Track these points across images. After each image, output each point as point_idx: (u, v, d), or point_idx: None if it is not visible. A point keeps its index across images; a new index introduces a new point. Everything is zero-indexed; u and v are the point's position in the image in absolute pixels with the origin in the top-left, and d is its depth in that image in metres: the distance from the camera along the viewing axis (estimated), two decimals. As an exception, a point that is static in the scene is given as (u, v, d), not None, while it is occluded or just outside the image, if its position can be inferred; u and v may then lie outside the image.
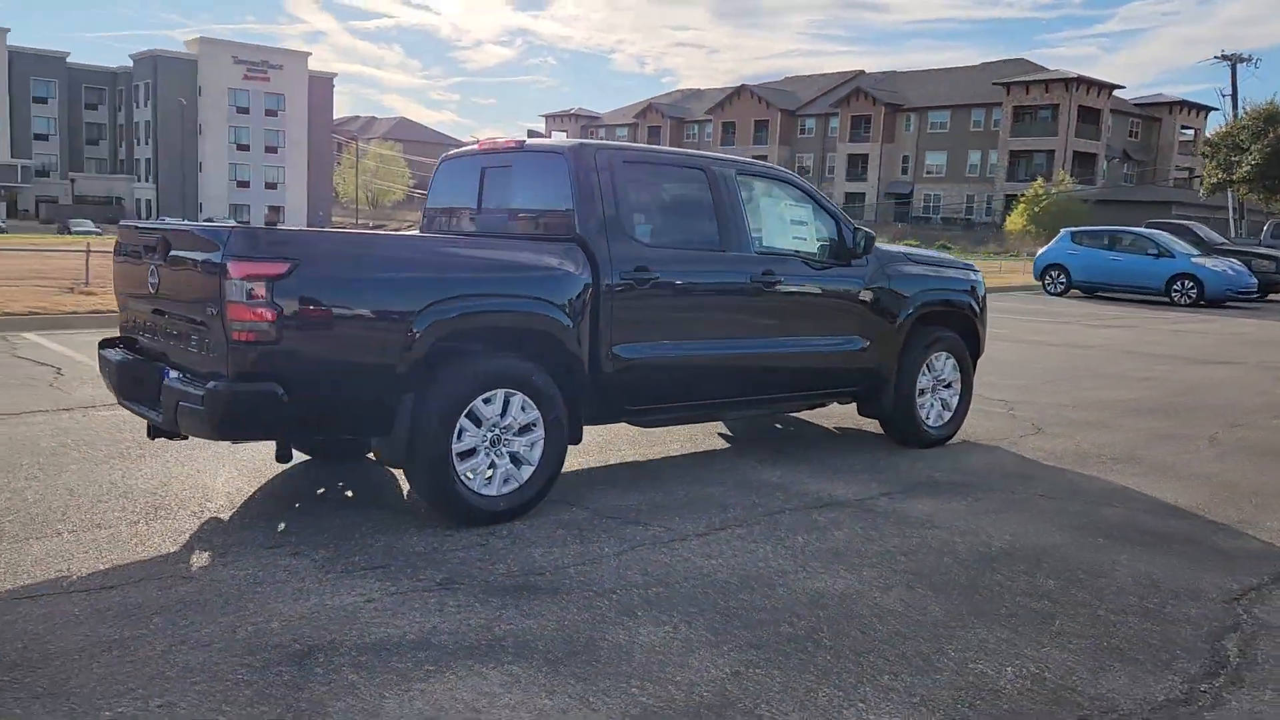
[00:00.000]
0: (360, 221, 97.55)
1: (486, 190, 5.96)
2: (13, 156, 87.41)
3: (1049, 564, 4.66)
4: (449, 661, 3.39)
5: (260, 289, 4.20)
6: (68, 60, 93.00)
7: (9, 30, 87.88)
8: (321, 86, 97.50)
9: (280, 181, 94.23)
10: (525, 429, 5.02)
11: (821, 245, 6.47)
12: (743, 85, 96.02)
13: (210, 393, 4.21)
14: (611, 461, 6.39)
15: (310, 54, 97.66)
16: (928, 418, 7.02)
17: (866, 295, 6.55)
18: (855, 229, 6.41)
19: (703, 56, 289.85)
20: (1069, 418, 8.38)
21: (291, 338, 4.30)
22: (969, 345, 7.27)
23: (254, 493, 5.39)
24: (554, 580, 4.22)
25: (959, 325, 7.25)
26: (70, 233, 60.69)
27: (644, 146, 6.67)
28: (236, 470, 5.73)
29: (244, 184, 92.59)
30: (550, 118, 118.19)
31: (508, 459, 4.99)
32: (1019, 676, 3.45)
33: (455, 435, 4.76)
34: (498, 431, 4.93)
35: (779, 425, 7.77)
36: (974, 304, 7.26)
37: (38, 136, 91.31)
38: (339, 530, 4.77)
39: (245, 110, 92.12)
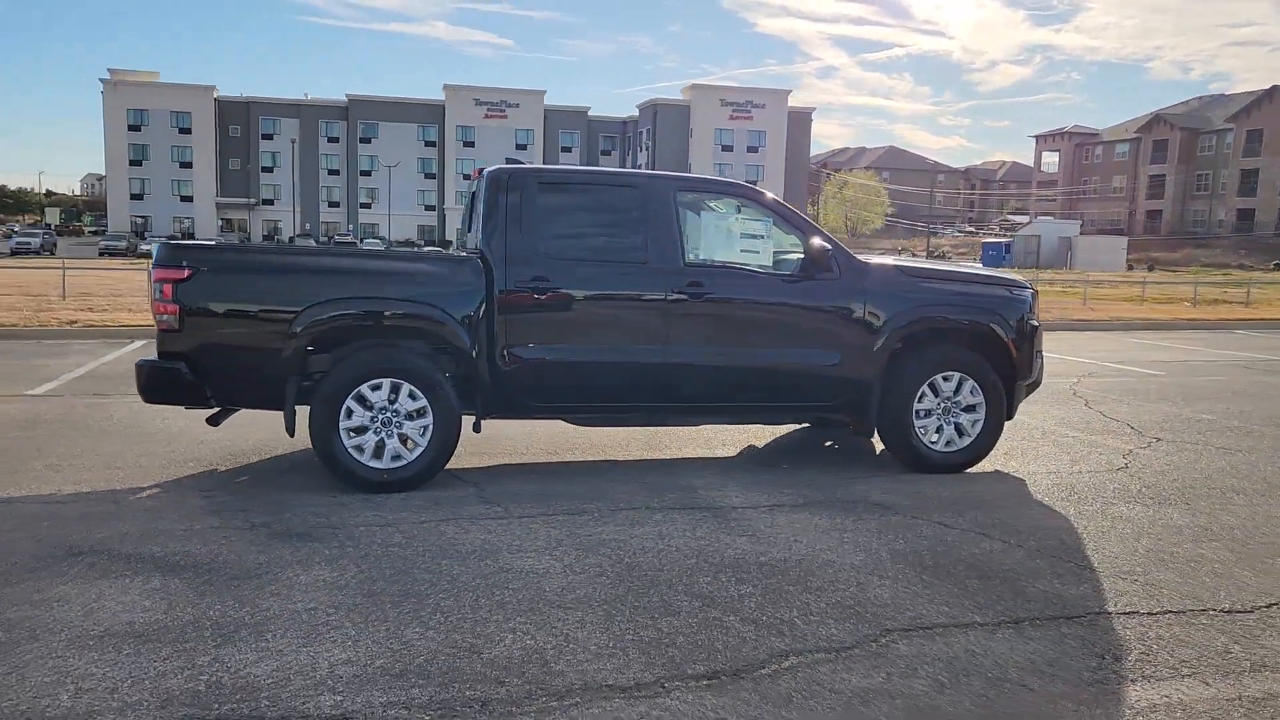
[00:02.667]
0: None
1: (473, 211, 6.90)
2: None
3: (749, 579, 4.56)
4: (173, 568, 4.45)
5: (169, 289, 5.59)
6: (588, 114, 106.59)
7: (545, 91, 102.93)
8: (800, 122, 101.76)
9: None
10: (414, 415, 5.89)
11: (779, 259, 6.51)
12: (1275, 86, 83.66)
13: (137, 367, 5.69)
14: (575, 459, 6.97)
15: (790, 91, 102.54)
16: (934, 442, 6.65)
17: (836, 309, 6.45)
18: (819, 244, 6.36)
19: (1263, 56, 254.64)
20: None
21: (192, 328, 5.64)
22: (1000, 368, 6.73)
23: (239, 465, 6.80)
24: (336, 533, 5.05)
25: (984, 346, 6.75)
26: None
27: (570, 168, 7.08)
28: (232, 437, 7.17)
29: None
30: (1041, 138, 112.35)
31: (397, 439, 5.89)
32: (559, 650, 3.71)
33: (344, 414, 5.78)
34: (388, 414, 5.85)
35: (815, 445, 7.74)
36: (1003, 324, 6.71)
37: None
38: (262, 489, 6.01)
39: (729, 148, 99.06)
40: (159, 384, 5.70)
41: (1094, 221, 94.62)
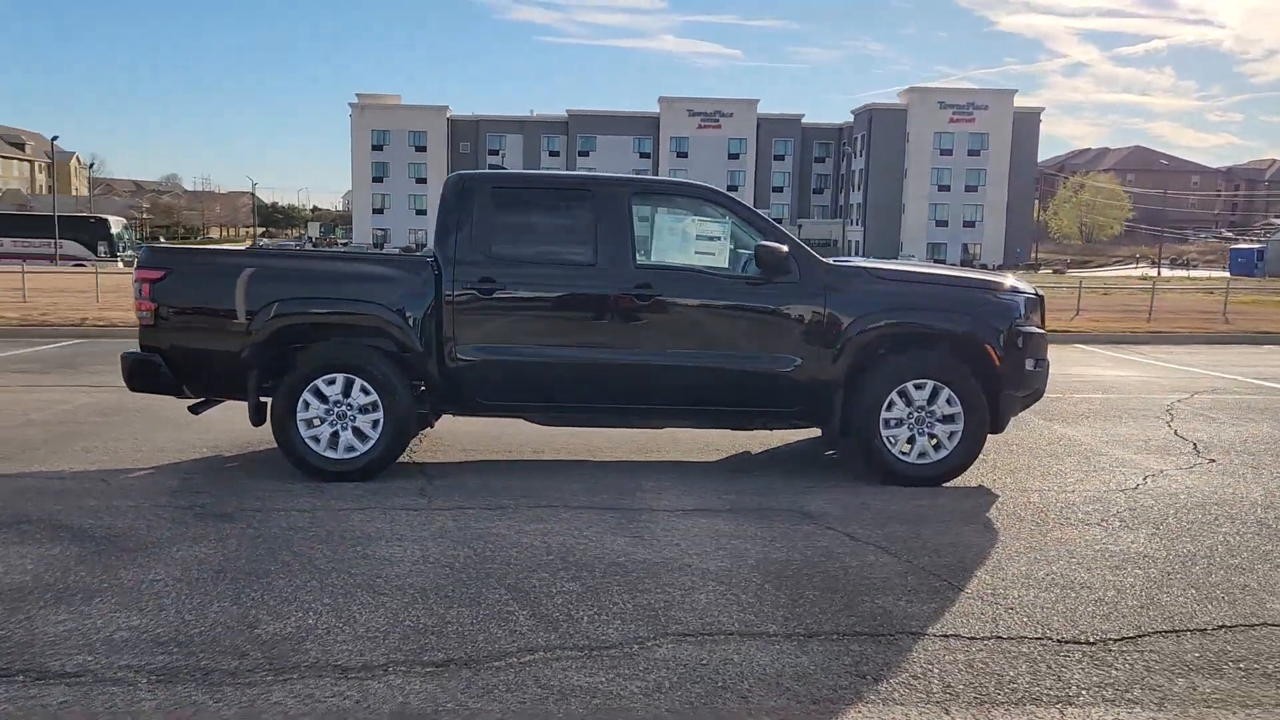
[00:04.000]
0: (1063, 258, 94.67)
1: None
2: (754, 207, 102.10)
3: (586, 578, 4.54)
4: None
5: (146, 288, 6.19)
6: (802, 121, 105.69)
7: (759, 100, 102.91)
8: (1027, 122, 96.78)
9: (978, 220, 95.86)
10: (366, 409, 6.23)
11: (737, 261, 6.42)
12: None
13: (121, 359, 6.33)
14: (556, 458, 7.11)
15: (1015, 90, 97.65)
16: (904, 453, 6.35)
17: (795, 312, 6.29)
18: (772, 246, 6.23)
19: None
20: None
21: (165, 323, 6.22)
22: (984, 377, 6.35)
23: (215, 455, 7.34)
24: (254, 516, 5.43)
25: (963, 353, 6.39)
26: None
27: (525, 173, 7.08)
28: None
29: (942, 223, 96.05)
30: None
31: (350, 432, 6.25)
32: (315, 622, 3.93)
33: (301, 406, 6.20)
34: (342, 408, 6.23)
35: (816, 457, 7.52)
36: (984, 330, 6.31)
37: (775, 189, 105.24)
38: (236, 476, 6.53)
39: (948, 152, 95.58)
40: (139, 374, 6.30)
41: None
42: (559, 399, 6.38)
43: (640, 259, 6.35)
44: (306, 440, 6.20)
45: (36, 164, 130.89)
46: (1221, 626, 4.07)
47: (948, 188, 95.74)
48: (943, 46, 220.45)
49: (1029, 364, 6.45)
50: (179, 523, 5.30)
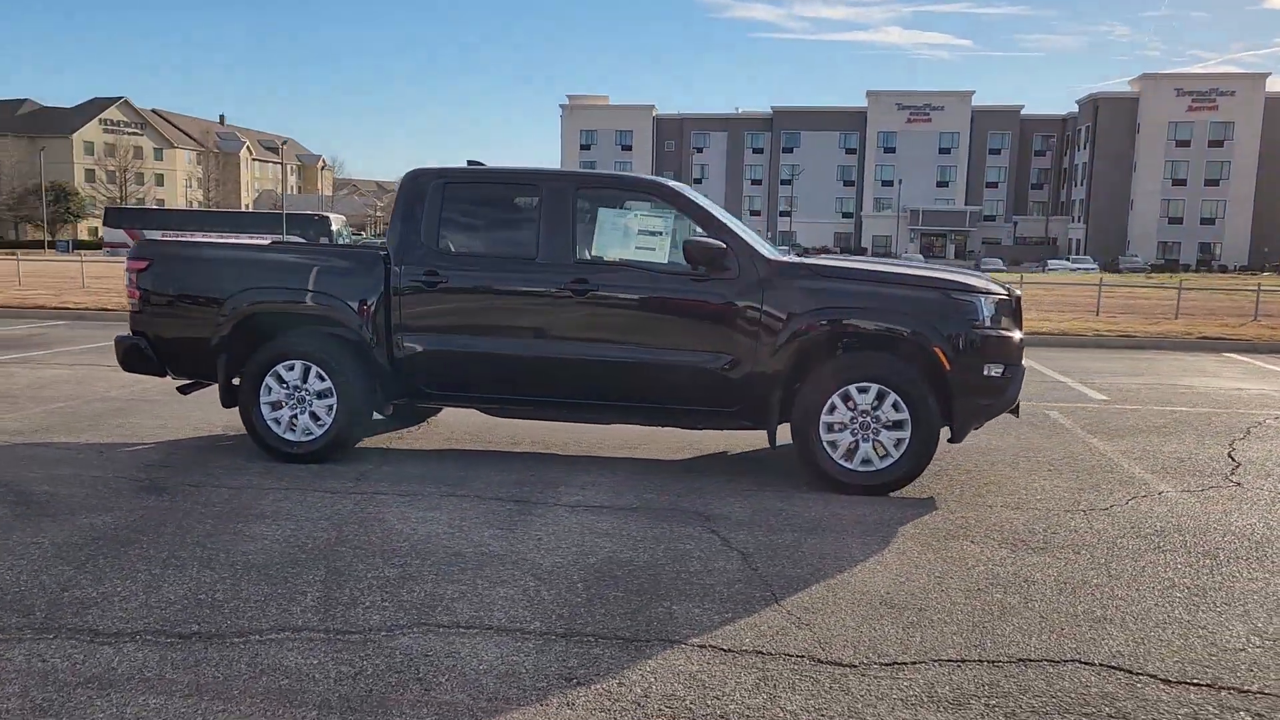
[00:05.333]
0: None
1: None
2: (966, 204, 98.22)
3: (404, 564, 4.62)
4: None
5: (134, 276, 6.77)
6: (1021, 113, 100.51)
7: (974, 92, 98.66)
8: None
9: (1219, 215, 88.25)
10: (322, 394, 6.57)
11: (680, 257, 6.31)
12: None
13: (115, 341, 6.94)
14: (524, 450, 7.22)
15: (1269, 74, 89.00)
16: (845, 460, 6.08)
17: (730, 309, 6.14)
18: (707, 243, 6.09)
19: None
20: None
21: (148, 309, 6.76)
22: (936, 383, 5.99)
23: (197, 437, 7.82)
24: (192, 491, 5.84)
25: (911, 356, 6.04)
26: (978, 269, 66.88)
27: (477, 169, 7.00)
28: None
29: (1176, 220, 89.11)
30: None
31: (307, 416, 6.61)
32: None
33: (264, 390, 6.61)
34: (301, 393, 6.60)
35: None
36: (932, 332, 5.94)
37: (989, 184, 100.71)
38: (211, 455, 7.02)
39: (1185, 143, 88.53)
40: (128, 356, 6.88)
41: None
42: (502, 392, 6.47)
43: (581, 253, 6.34)
44: (269, 422, 6.58)
45: (288, 166, 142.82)
46: (1021, 659, 3.71)
47: (1183, 182, 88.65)
48: (1200, 28, 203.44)
49: (990, 370, 6.01)
50: (116, 493, 5.77)
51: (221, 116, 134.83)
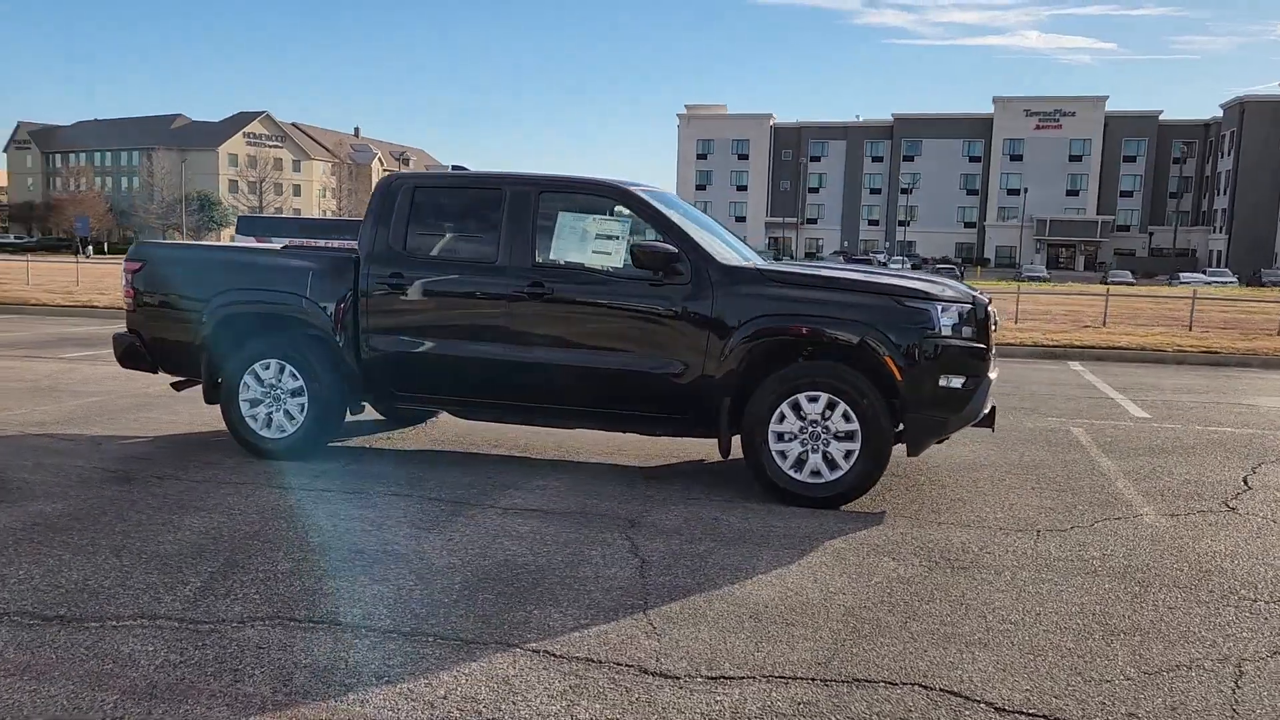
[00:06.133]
0: None
1: None
2: (1098, 213, 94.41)
3: (295, 557, 4.70)
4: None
5: (129, 277, 7.12)
6: (1159, 118, 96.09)
7: (1107, 97, 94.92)
8: None
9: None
10: (295, 393, 6.78)
11: (629, 261, 6.27)
12: None
13: (113, 338, 7.30)
14: (500, 453, 7.27)
15: None
16: (794, 470, 5.93)
17: (680, 315, 6.06)
18: (656, 247, 6.04)
19: None
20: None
21: (140, 308, 7.09)
22: (888, 393, 5.80)
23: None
24: (154, 483, 6.09)
25: (862, 365, 5.86)
26: (1105, 282, 64.20)
27: (446, 173, 7.01)
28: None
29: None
30: None
31: (282, 414, 6.83)
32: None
33: (243, 388, 6.86)
34: (276, 392, 6.82)
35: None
36: (882, 340, 5.74)
37: (1123, 194, 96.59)
38: (198, 450, 7.30)
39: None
40: (124, 352, 7.22)
41: None
42: (464, 394, 6.54)
43: (540, 257, 6.36)
44: (246, 419, 6.81)
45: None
46: (858, 680, 3.56)
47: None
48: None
49: (948, 381, 5.77)
50: (83, 483, 6.05)
51: (356, 129, 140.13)
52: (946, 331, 5.79)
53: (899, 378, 5.72)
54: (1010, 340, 16.00)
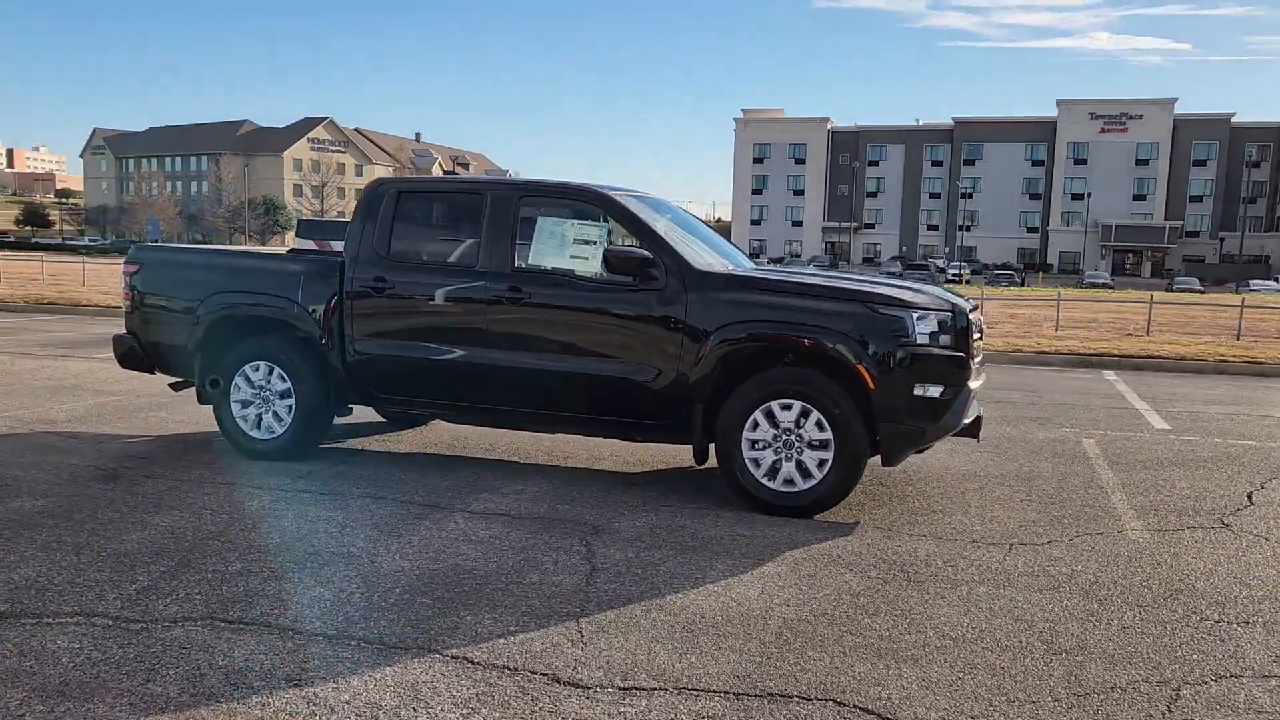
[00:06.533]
0: None
1: None
2: (1165, 219, 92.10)
3: (234, 554, 4.75)
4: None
5: (127, 279, 7.27)
6: (1231, 120, 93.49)
7: (1176, 99, 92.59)
8: None
9: None
10: (283, 394, 6.87)
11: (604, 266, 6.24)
12: None
13: (113, 339, 7.46)
14: (492, 457, 7.29)
15: None
16: (767, 479, 5.85)
17: (654, 320, 6.03)
18: (629, 252, 6.01)
19: None
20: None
21: (137, 310, 7.23)
22: (860, 401, 5.71)
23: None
24: (142, 481, 6.20)
25: (834, 372, 5.77)
26: (1170, 289, 62.61)
27: (430, 178, 6.99)
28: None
29: None
30: None
31: (272, 415, 6.92)
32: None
33: (234, 389, 6.97)
34: (266, 393, 6.92)
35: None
36: (854, 347, 5.64)
37: (1192, 198, 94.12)
38: (199, 450, 7.43)
39: None
40: (123, 354, 7.37)
41: None
42: (445, 398, 6.56)
43: (519, 262, 6.36)
44: (237, 419, 6.91)
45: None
46: (773, 694, 3.49)
47: None
48: None
49: (924, 390, 5.65)
50: (71, 480, 6.19)
51: (418, 134, 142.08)
52: (922, 339, 5.67)
53: (872, 386, 5.61)
54: (1045, 349, 15.66)
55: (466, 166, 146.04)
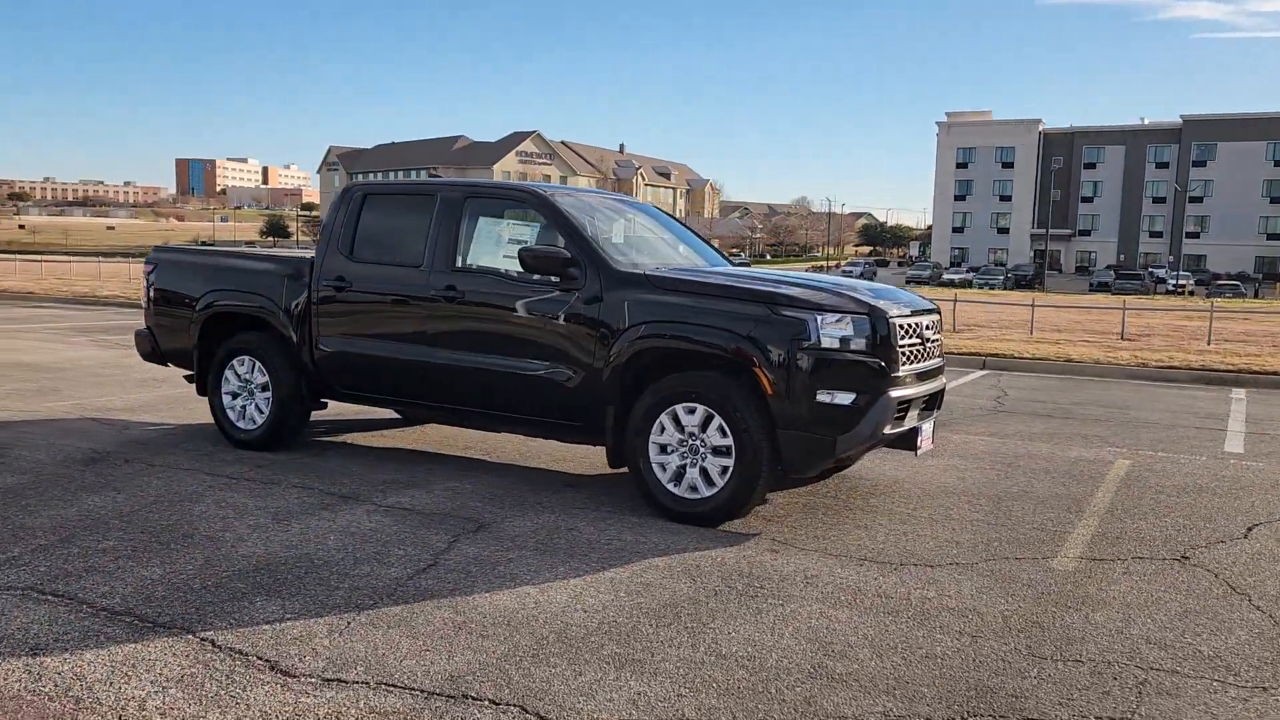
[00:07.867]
0: None
1: None
2: None
3: (173, 547, 5.00)
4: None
5: (146, 279, 7.88)
6: None
7: None
8: None
9: None
10: (263, 388, 7.27)
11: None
12: None
13: (135, 335, 8.08)
14: (474, 456, 7.42)
15: None
16: (675, 484, 5.70)
17: (571, 321, 5.98)
18: (541, 251, 5.99)
19: None
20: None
21: (153, 306, 7.81)
22: (761, 402, 5.47)
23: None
24: (123, 464, 6.72)
25: (740, 376, 5.55)
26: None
27: (395, 181, 6.97)
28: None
29: None
30: None
31: (254, 408, 7.33)
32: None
33: (223, 382, 7.44)
34: (251, 387, 7.34)
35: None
36: (755, 350, 5.40)
37: None
38: (198, 440, 7.94)
39: None
40: (143, 346, 7.97)
41: None
42: (396, 395, 6.76)
43: (460, 262, 6.46)
44: (227, 411, 7.35)
45: (678, 190, 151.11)
46: (468, 697, 3.40)
47: None
48: None
49: (830, 397, 5.33)
50: (61, 462, 6.74)
51: (621, 145, 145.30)
52: (829, 342, 5.34)
53: (769, 390, 5.34)
54: (1174, 364, 14.31)
55: (667, 176, 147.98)
